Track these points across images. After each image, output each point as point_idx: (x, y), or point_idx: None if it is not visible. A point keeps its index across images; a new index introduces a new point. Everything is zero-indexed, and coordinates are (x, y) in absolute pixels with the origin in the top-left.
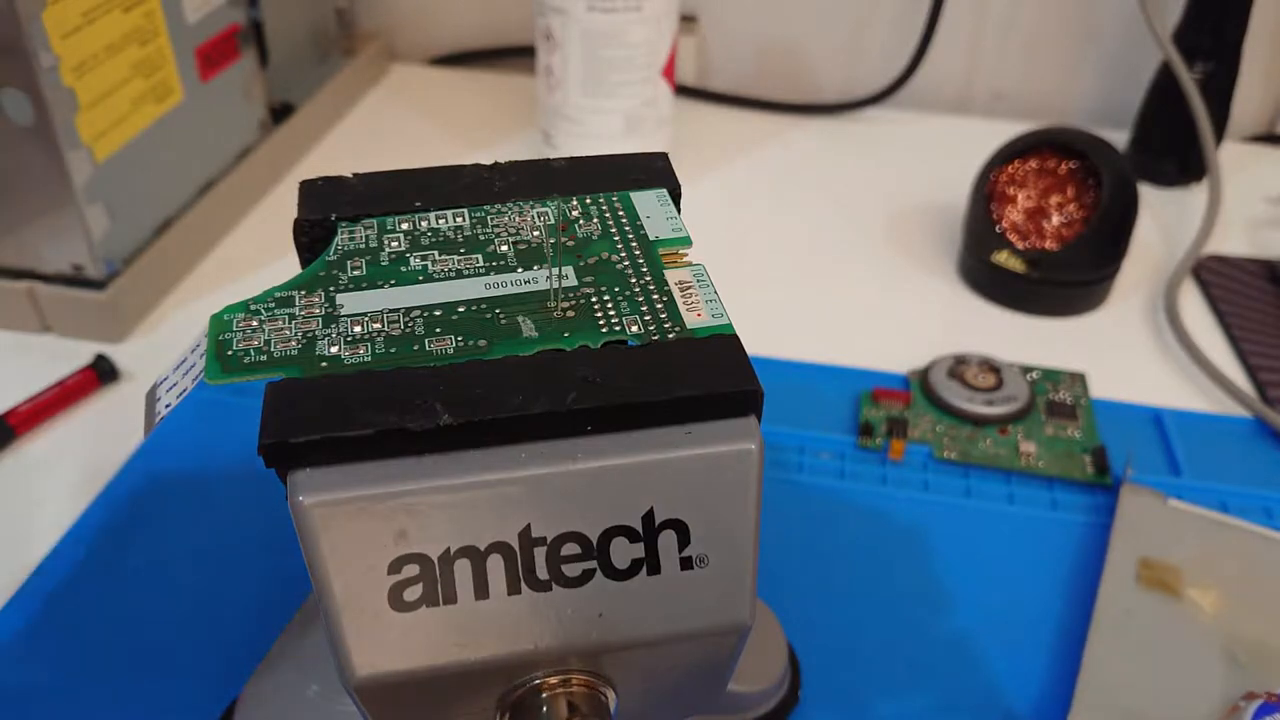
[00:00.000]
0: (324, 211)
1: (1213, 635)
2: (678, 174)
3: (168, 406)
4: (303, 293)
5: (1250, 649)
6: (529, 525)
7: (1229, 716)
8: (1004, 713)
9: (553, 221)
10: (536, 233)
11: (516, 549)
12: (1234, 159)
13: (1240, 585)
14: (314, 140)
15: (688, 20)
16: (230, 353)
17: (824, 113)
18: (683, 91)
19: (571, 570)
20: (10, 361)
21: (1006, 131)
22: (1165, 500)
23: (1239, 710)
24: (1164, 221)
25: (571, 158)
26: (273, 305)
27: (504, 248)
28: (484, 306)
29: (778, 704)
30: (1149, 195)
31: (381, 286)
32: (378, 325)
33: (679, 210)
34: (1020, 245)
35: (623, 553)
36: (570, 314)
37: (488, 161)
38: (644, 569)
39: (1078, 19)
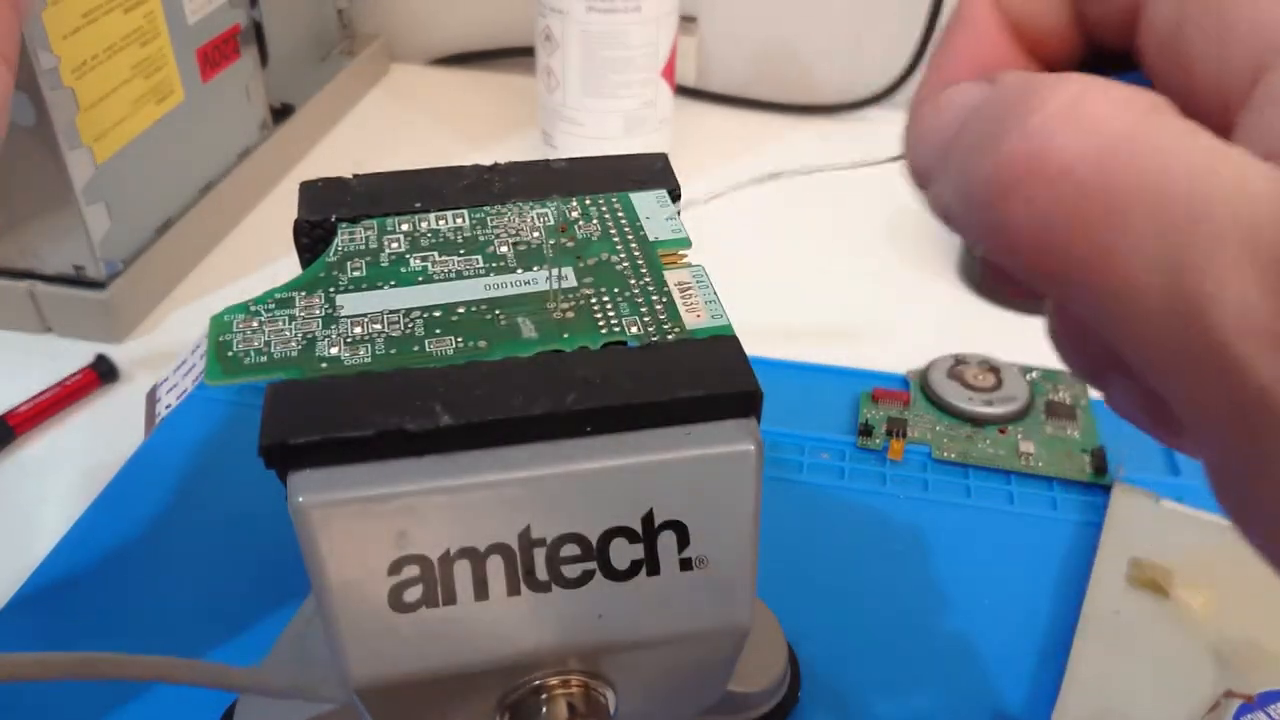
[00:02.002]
0: (324, 212)
1: (1201, 635)
2: (677, 174)
3: (168, 407)
4: (303, 294)
5: (1238, 649)
6: (529, 526)
7: (1210, 713)
8: (1005, 713)
9: (552, 222)
10: (536, 234)
11: (516, 550)
12: None
13: (1231, 586)
14: (314, 140)
15: (688, 20)
16: (230, 354)
17: (824, 113)
18: (682, 91)
19: (571, 571)
20: (10, 361)
21: None
22: (1158, 500)
23: (1220, 707)
24: None
25: (571, 158)
26: (273, 306)
27: (504, 249)
28: (484, 307)
29: (777, 704)
30: None
31: (381, 287)
32: (378, 326)
33: (678, 211)
34: None
35: (622, 554)
36: (570, 315)
37: (488, 162)
38: (643, 570)
39: None
